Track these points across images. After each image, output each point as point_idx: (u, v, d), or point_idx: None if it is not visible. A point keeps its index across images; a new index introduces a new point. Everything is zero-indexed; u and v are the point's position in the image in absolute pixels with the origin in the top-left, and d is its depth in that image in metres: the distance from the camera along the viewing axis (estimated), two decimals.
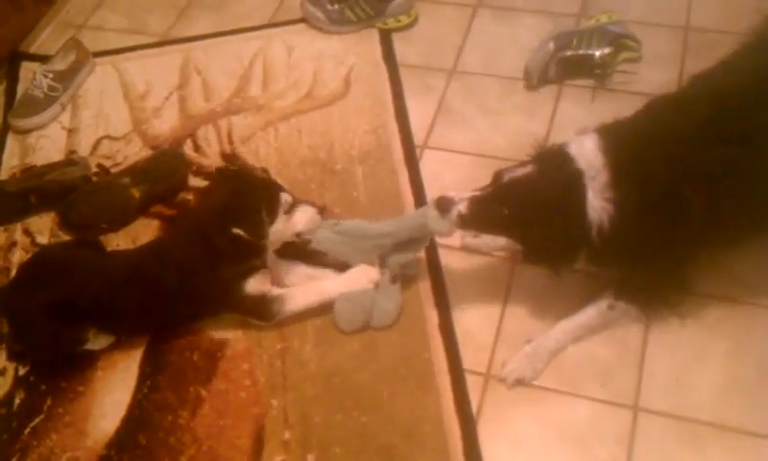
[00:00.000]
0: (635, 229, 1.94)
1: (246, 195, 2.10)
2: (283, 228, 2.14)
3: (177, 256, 2.14)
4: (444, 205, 1.98)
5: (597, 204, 1.92)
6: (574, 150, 1.98)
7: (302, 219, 2.16)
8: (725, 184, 1.91)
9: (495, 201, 1.98)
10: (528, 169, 1.99)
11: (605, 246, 1.95)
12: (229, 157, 2.59)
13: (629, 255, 2.01)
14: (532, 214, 1.95)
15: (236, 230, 2.04)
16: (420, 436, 2.00)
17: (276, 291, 2.17)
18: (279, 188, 2.15)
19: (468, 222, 1.99)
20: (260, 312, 2.18)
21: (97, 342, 2.21)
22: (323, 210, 2.12)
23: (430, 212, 2.02)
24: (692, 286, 2.14)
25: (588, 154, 1.95)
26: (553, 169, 1.98)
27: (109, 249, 2.43)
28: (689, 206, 1.90)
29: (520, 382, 2.07)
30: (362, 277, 2.18)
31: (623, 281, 2.11)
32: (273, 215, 2.11)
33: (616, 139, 1.97)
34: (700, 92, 2.06)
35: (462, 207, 1.97)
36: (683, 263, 2.08)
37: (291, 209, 2.14)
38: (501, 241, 2.28)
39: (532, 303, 2.22)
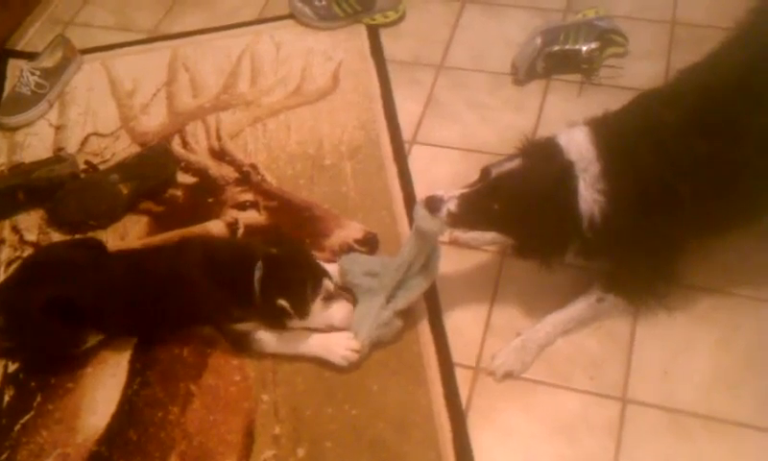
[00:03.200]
0: (625, 220, 1.94)
1: (295, 268, 2.07)
2: (318, 313, 2.08)
3: (189, 275, 2.11)
4: (433, 204, 1.95)
5: (589, 195, 1.92)
6: (564, 142, 1.97)
7: (339, 315, 2.11)
8: (713, 175, 1.92)
9: (485, 197, 1.96)
10: (517, 163, 1.98)
11: (596, 238, 1.95)
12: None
13: (619, 247, 2.01)
14: (523, 208, 1.94)
15: (281, 302, 2.02)
16: (411, 429, 2.01)
17: (258, 334, 2.14)
18: (324, 273, 2.11)
19: (458, 220, 1.97)
20: (238, 344, 2.17)
21: (89, 339, 2.20)
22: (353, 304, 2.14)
23: (420, 212, 1.98)
24: (681, 278, 2.15)
25: (578, 145, 1.95)
26: (543, 161, 1.97)
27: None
28: (678, 197, 1.91)
29: (509, 375, 2.07)
30: (340, 348, 2.09)
31: (612, 274, 2.12)
32: (313, 296, 2.06)
33: (606, 131, 1.98)
34: (688, 85, 2.07)
35: (451, 206, 1.94)
36: (672, 254, 2.09)
37: (330, 298, 2.10)
38: (490, 235, 2.28)
39: (521, 297, 2.22)
